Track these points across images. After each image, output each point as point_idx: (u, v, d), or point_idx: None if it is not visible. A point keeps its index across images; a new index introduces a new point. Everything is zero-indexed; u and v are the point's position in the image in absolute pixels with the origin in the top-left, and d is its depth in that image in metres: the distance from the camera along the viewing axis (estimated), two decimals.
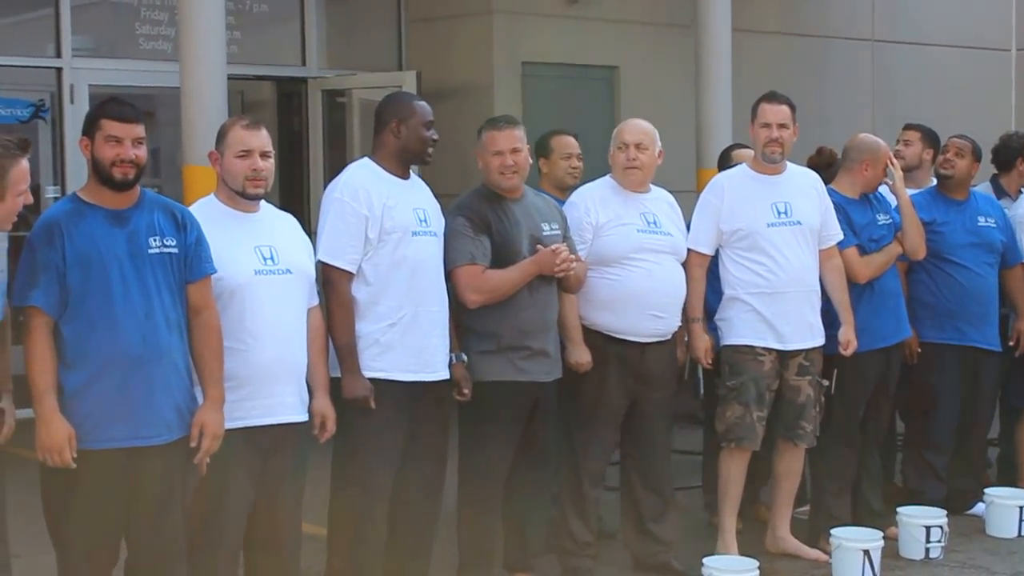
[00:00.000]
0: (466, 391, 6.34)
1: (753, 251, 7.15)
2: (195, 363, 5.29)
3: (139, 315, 5.06)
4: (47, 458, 4.96)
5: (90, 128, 5.15)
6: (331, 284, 5.99)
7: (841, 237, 7.39)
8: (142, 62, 11.33)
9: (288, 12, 12.21)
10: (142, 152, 5.14)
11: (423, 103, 6.35)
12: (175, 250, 5.19)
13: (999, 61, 15.63)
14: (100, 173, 5.12)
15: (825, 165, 8.11)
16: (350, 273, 6.07)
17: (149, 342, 5.07)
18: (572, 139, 7.72)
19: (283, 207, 6.00)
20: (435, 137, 6.29)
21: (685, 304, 7.11)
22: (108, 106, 5.16)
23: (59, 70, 10.93)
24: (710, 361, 7.22)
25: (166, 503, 5.19)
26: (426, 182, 6.48)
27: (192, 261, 5.25)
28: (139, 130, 5.14)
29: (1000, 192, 8.87)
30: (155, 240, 5.15)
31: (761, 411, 7.18)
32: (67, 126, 10.91)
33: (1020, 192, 8.77)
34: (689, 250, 7.16)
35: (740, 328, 7.18)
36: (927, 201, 8.10)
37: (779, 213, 7.18)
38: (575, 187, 7.42)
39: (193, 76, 8.75)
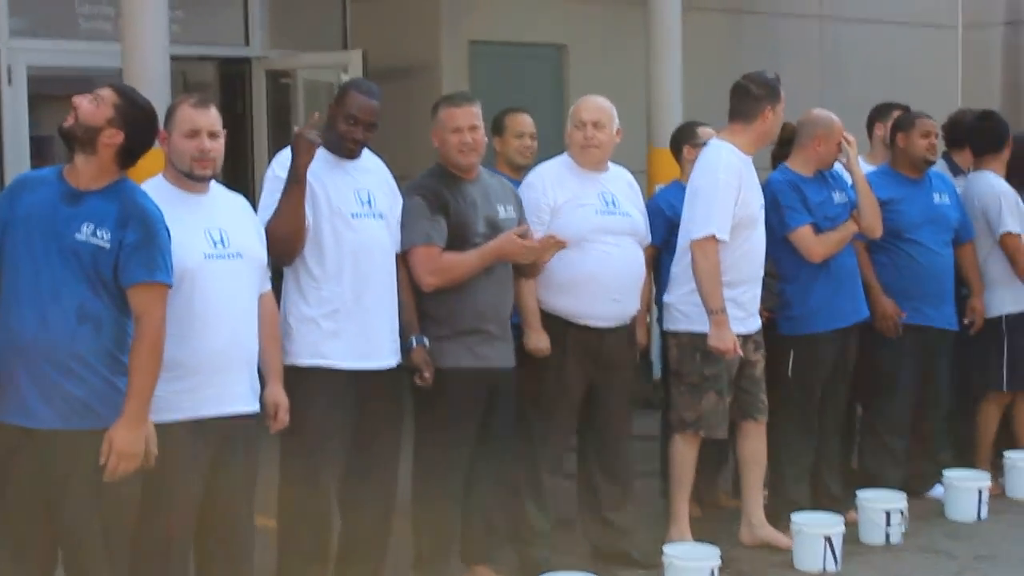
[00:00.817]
0: (427, 375, 6.17)
1: (747, 238, 6.98)
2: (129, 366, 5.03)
3: (43, 298, 4.89)
4: None
5: None
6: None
7: None
8: (82, 42, 11.07)
9: None
10: (82, 107, 5.01)
11: (361, 98, 6.08)
12: (106, 244, 4.92)
13: (945, 38, 15.59)
14: None
15: (786, 141, 8.02)
16: None
17: (50, 326, 4.88)
18: (527, 118, 7.57)
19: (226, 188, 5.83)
20: (356, 136, 6.05)
21: (704, 294, 6.81)
22: None
23: None
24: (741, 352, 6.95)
25: (70, 491, 4.95)
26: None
27: (125, 263, 4.95)
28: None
29: (955, 169, 8.80)
30: (87, 227, 4.92)
31: (729, 397, 7.08)
32: (5, 108, 10.65)
33: (970, 169, 8.71)
34: (710, 237, 6.80)
35: None
36: (883, 179, 8.01)
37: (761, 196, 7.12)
38: (528, 167, 7.27)
39: (135, 57, 8.57)
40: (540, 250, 6.42)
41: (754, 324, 7.13)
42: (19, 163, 10.48)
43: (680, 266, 7.07)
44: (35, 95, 10.75)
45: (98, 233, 4.93)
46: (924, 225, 8.03)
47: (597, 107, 7.00)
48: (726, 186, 6.88)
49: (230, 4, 11.99)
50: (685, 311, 7.06)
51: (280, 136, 11.51)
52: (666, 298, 7.21)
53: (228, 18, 12.06)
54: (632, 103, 10.54)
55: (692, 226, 6.90)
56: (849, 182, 7.74)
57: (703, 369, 7.01)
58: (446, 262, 6.25)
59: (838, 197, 7.64)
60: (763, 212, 7.11)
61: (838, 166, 7.75)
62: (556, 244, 6.44)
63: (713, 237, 6.81)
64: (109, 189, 5.03)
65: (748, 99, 7.10)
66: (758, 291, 7.15)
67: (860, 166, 7.74)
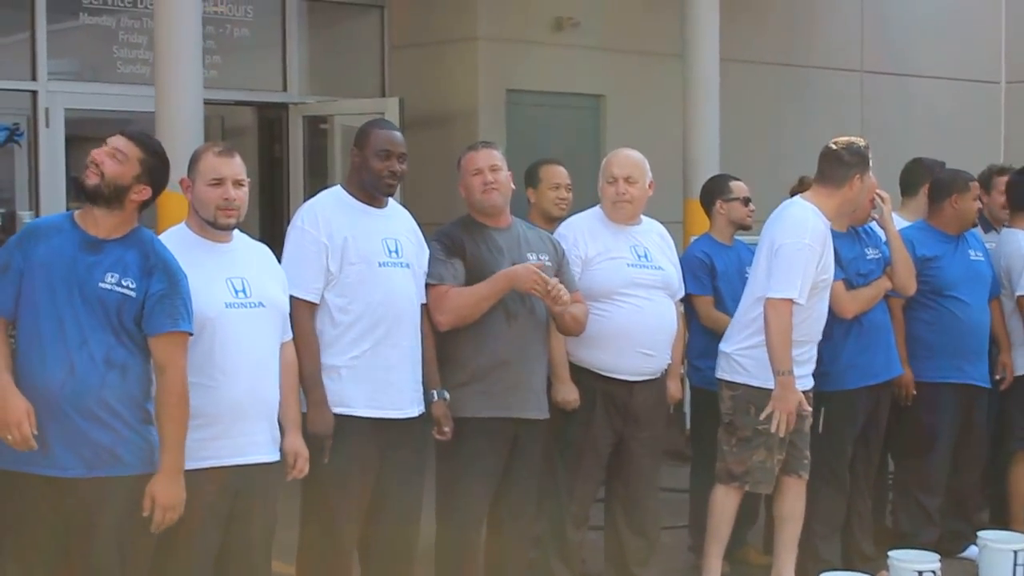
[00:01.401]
0: (446, 429, 6.13)
1: (819, 300, 6.92)
2: (158, 421, 5.04)
3: (69, 345, 4.87)
4: (8, 434, 4.77)
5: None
6: (291, 315, 5.70)
7: None
8: (120, 86, 11.13)
9: (269, 37, 12.01)
10: (107, 165, 5.00)
11: (386, 131, 6.13)
12: (132, 294, 4.95)
13: (988, 93, 15.52)
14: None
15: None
16: (310, 303, 5.88)
17: (78, 374, 4.86)
18: (561, 169, 7.52)
19: (262, 235, 5.84)
20: (393, 168, 6.03)
21: (773, 354, 6.70)
22: None
23: (34, 93, 10.71)
24: (809, 408, 6.90)
25: (94, 539, 4.93)
26: (409, 211, 6.30)
27: (151, 313, 4.98)
28: (114, 140, 5.04)
29: (986, 226, 8.73)
30: (111, 276, 4.93)
31: (781, 455, 6.97)
32: (42, 150, 10.69)
33: (1004, 225, 8.61)
34: (787, 300, 6.69)
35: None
36: (924, 236, 7.93)
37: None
38: (562, 218, 7.22)
39: (168, 101, 8.54)
40: (548, 290, 6.15)
41: (808, 382, 7.03)
42: (56, 203, 10.52)
43: (747, 317, 6.98)
44: (72, 137, 10.79)
45: (123, 283, 4.94)
46: (963, 282, 7.95)
47: (629, 162, 6.94)
48: (810, 251, 6.79)
49: (269, 50, 12.03)
50: (744, 363, 6.96)
51: (316, 182, 11.53)
52: (723, 347, 7.10)
53: (266, 64, 12.10)
54: (669, 154, 10.55)
55: (771, 284, 6.78)
56: (883, 238, 7.65)
57: (757, 424, 6.90)
58: (453, 297, 6.18)
59: (871, 253, 7.57)
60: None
61: (873, 223, 7.68)
62: (561, 299, 6.20)
63: (790, 300, 6.72)
64: (128, 238, 5.03)
65: (839, 166, 6.98)
66: (815, 351, 7.07)
67: (894, 222, 7.66)
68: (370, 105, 11.44)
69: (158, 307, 4.96)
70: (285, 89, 12.06)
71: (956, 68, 15.02)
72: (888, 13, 14.69)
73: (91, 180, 4.98)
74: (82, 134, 10.86)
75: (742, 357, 6.97)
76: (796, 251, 6.79)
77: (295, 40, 12.06)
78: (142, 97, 10.11)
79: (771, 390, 6.80)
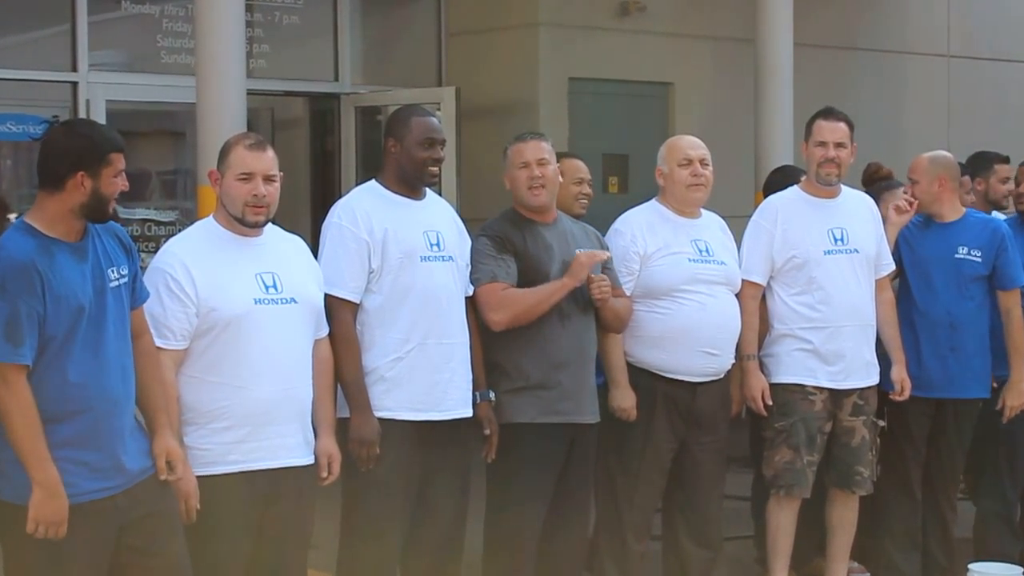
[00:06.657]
0: (487, 431, 5.91)
1: (807, 281, 6.68)
2: (141, 393, 4.79)
3: (112, 358, 4.65)
4: (40, 529, 4.46)
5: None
6: (332, 316, 5.57)
7: (893, 268, 6.92)
8: (163, 76, 10.90)
9: (320, 25, 11.79)
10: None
11: (424, 118, 5.96)
12: (127, 279, 4.76)
13: None
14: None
15: (870, 181, 7.80)
16: (352, 303, 5.67)
17: (127, 385, 4.71)
18: (581, 163, 7.20)
19: (314, 230, 5.51)
20: (436, 156, 5.88)
21: (738, 339, 6.59)
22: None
23: (75, 84, 10.51)
24: (769, 402, 6.67)
25: (155, 545, 4.77)
26: (458, 205, 5.96)
27: (137, 287, 4.84)
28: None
29: None
30: (113, 272, 4.70)
31: (812, 455, 6.73)
32: None
33: None
34: (746, 282, 6.70)
35: (789, 365, 6.71)
36: None
37: (835, 240, 6.74)
38: (583, 218, 6.84)
39: (210, 92, 8.36)
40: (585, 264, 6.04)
41: (849, 381, 6.75)
42: None
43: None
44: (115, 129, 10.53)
45: (120, 271, 4.75)
46: None
47: (700, 144, 6.72)
48: (755, 228, 6.84)
49: (320, 38, 11.82)
50: (764, 361, 6.81)
51: (369, 174, 11.22)
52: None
53: (317, 52, 11.89)
54: (740, 144, 10.33)
55: None
56: None
57: (775, 422, 6.74)
58: (509, 296, 5.98)
59: None
60: (835, 258, 6.72)
61: None
62: (602, 290, 6.08)
63: (749, 282, 6.71)
64: (90, 228, 4.70)
65: None
66: (860, 342, 6.76)
67: None
68: (425, 95, 11.18)
69: (139, 280, 4.88)
70: (337, 79, 11.82)
71: None
72: None
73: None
74: (124, 126, 10.57)
75: (765, 358, 6.83)
76: (746, 232, 6.88)
77: (347, 27, 11.79)
78: (185, 88, 9.85)
79: (785, 386, 6.70)
